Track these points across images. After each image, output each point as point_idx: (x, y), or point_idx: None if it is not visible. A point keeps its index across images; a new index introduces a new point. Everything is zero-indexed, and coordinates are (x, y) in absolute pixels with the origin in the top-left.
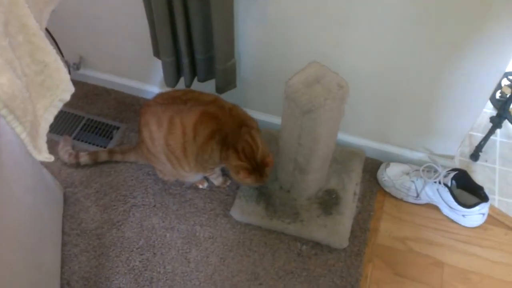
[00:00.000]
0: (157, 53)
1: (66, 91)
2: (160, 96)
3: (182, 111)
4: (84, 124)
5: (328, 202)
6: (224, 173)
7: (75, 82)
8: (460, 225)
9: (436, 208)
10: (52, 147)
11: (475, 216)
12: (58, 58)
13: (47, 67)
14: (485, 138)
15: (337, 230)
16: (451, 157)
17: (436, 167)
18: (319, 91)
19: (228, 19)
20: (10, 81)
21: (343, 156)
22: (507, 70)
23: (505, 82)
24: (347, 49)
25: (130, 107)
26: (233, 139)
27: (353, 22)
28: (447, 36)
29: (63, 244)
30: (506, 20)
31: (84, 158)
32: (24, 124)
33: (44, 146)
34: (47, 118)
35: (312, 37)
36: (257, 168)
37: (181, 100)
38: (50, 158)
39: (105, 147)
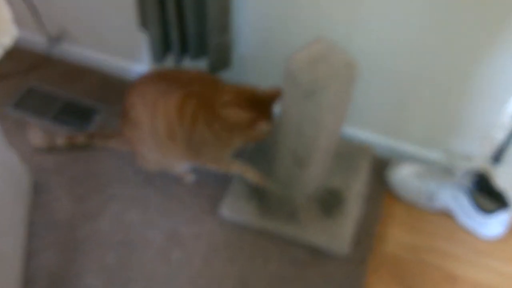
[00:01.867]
0: (143, 23)
1: (6, 33)
2: (148, 75)
3: (166, 93)
4: (63, 105)
5: (330, 202)
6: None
7: (55, 59)
8: (477, 234)
9: (450, 214)
10: (22, 127)
11: (494, 224)
12: None
13: None
14: (509, 139)
15: (338, 234)
16: (471, 158)
17: (453, 168)
18: (324, 70)
19: None
20: None
21: (349, 151)
22: None
23: None
24: (361, 24)
25: (114, 88)
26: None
27: None
28: (477, 21)
29: (31, 236)
30: None
31: (59, 140)
32: None
33: None
34: None
35: (321, 8)
36: (265, 109)
37: (166, 79)
38: None
39: (84, 131)
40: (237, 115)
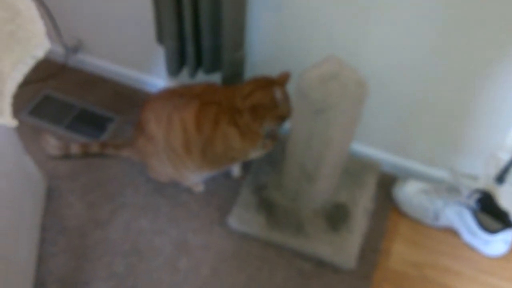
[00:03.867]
0: (160, 38)
1: (39, 46)
2: (161, 92)
3: (179, 106)
4: (77, 113)
5: (336, 216)
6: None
7: (71, 68)
8: (481, 253)
9: (455, 232)
10: (38, 134)
11: (498, 243)
12: (33, 6)
13: (19, 15)
14: None
15: (344, 248)
16: (476, 178)
17: (459, 187)
18: (335, 88)
19: (239, 3)
20: None
21: (356, 167)
22: None
23: None
24: (371, 45)
25: (128, 99)
26: (241, 107)
27: (381, 14)
28: (482, 43)
29: (42, 241)
30: None
31: (74, 149)
32: None
33: (7, 108)
34: (15, 76)
35: (332, 29)
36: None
37: (177, 94)
38: (12, 122)
39: (97, 139)
40: (262, 95)
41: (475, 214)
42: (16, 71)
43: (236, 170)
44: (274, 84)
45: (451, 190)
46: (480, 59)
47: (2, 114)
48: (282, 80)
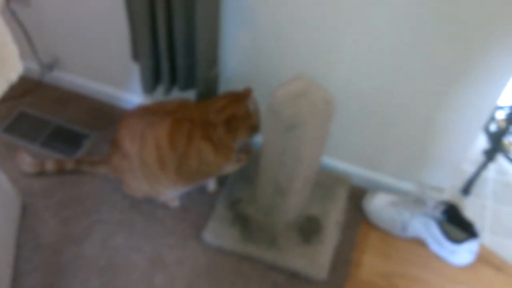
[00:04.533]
0: (135, 56)
1: (13, 69)
2: (134, 109)
3: (152, 123)
4: (53, 130)
5: (309, 229)
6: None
7: (47, 85)
8: (448, 262)
9: (423, 243)
10: (13, 150)
11: (463, 253)
12: (6, 31)
13: None
14: (477, 172)
15: (317, 260)
16: (442, 190)
17: (425, 199)
18: (304, 106)
19: (212, 22)
20: None
21: (327, 181)
22: (504, 103)
23: (501, 115)
24: (340, 62)
25: (104, 115)
26: (214, 121)
27: (348, 34)
28: (442, 62)
29: (17, 259)
30: (499, 52)
31: (49, 166)
32: None
33: None
34: None
35: (302, 47)
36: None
37: (151, 111)
38: None
39: (72, 156)
40: (236, 108)
41: (441, 225)
42: None
43: (211, 185)
44: (244, 97)
45: (417, 202)
46: (444, 76)
47: None
48: (247, 94)
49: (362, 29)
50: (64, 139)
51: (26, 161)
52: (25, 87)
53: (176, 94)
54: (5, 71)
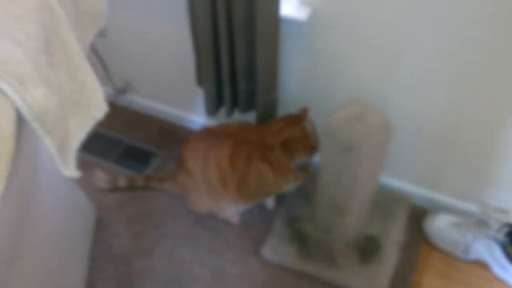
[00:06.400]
0: (200, 81)
1: (99, 110)
2: (198, 132)
3: (214, 145)
4: (124, 148)
5: (368, 249)
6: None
7: (119, 107)
8: (511, 286)
9: (486, 265)
10: (89, 168)
11: None
12: (95, 79)
13: (84, 86)
14: None
15: (376, 281)
16: (506, 211)
17: (489, 220)
18: (360, 129)
19: (273, 52)
20: (44, 96)
21: (387, 201)
22: None
23: None
24: (398, 86)
25: (171, 135)
26: (271, 143)
27: (405, 58)
28: (505, 83)
29: (91, 269)
30: None
31: (121, 182)
32: (54, 138)
33: (72, 162)
34: (79, 135)
35: (359, 73)
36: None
37: (213, 134)
38: (76, 174)
39: (142, 173)
40: (293, 131)
41: (505, 248)
42: (80, 131)
43: (270, 202)
44: (300, 118)
45: (480, 223)
46: (507, 96)
47: (69, 168)
48: (303, 115)
49: (421, 53)
50: (135, 157)
51: (101, 178)
52: None
53: (238, 116)
54: (94, 112)
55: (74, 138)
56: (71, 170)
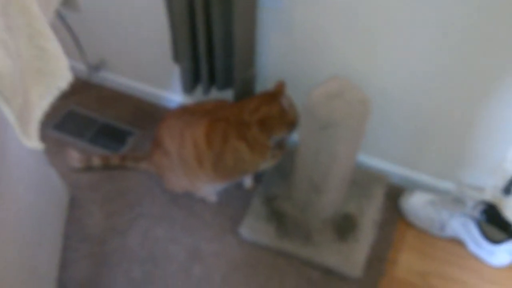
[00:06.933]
0: (176, 57)
1: (63, 79)
2: (174, 110)
3: (191, 123)
4: (99, 127)
5: (344, 227)
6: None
7: (94, 85)
8: (486, 263)
9: (461, 243)
10: (62, 147)
11: (502, 254)
12: (58, 45)
13: (46, 53)
14: None
15: (352, 258)
16: (482, 189)
17: (464, 198)
18: (339, 106)
19: (250, 25)
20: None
21: (364, 179)
22: None
23: None
24: (379, 65)
25: (147, 114)
26: (248, 121)
27: (387, 36)
28: (483, 61)
29: (64, 248)
30: None
31: (95, 161)
32: (12, 105)
33: (35, 133)
34: (42, 105)
35: (340, 51)
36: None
37: (189, 112)
38: (39, 145)
39: (117, 152)
40: (269, 109)
41: (480, 225)
42: (43, 101)
43: (247, 181)
44: (277, 95)
45: (456, 201)
46: (485, 75)
47: (31, 139)
48: (280, 90)
49: (401, 30)
50: (110, 136)
51: (74, 157)
52: (74, 87)
53: (215, 94)
54: (57, 81)
55: (36, 108)
56: (33, 142)
